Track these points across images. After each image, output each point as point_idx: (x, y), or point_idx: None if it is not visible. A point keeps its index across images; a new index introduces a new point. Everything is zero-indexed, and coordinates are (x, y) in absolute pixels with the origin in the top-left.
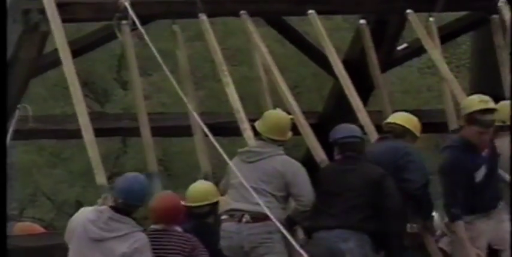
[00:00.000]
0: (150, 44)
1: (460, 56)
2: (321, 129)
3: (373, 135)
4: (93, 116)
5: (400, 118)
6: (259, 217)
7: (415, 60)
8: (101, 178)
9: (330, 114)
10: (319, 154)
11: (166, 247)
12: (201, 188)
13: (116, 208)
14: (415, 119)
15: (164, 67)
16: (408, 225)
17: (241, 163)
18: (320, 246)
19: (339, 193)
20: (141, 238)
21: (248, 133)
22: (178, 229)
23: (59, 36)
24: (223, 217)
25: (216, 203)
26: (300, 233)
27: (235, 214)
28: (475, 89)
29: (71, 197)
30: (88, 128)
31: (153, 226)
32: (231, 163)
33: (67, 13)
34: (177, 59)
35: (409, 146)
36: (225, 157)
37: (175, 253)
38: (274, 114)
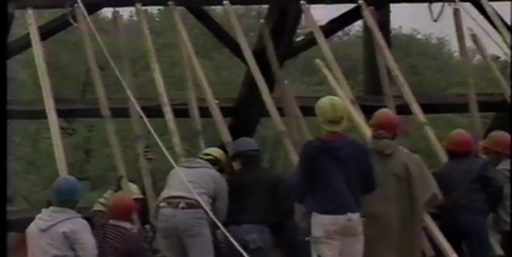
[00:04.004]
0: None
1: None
2: (238, 111)
3: (276, 117)
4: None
5: None
6: (192, 205)
7: None
8: (61, 165)
9: (245, 99)
10: (226, 136)
11: (106, 239)
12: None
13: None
14: None
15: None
16: None
17: (183, 168)
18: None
19: (245, 194)
20: (79, 222)
21: (169, 116)
22: (128, 225)
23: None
24: (162, 204)
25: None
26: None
27: (172, 202)
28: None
29: (43, 198)
30: (52, 110)
31: (110, 221)
32: (176, 166)
33: (23, 0)
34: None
35: None
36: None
37: (112, 247)
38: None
